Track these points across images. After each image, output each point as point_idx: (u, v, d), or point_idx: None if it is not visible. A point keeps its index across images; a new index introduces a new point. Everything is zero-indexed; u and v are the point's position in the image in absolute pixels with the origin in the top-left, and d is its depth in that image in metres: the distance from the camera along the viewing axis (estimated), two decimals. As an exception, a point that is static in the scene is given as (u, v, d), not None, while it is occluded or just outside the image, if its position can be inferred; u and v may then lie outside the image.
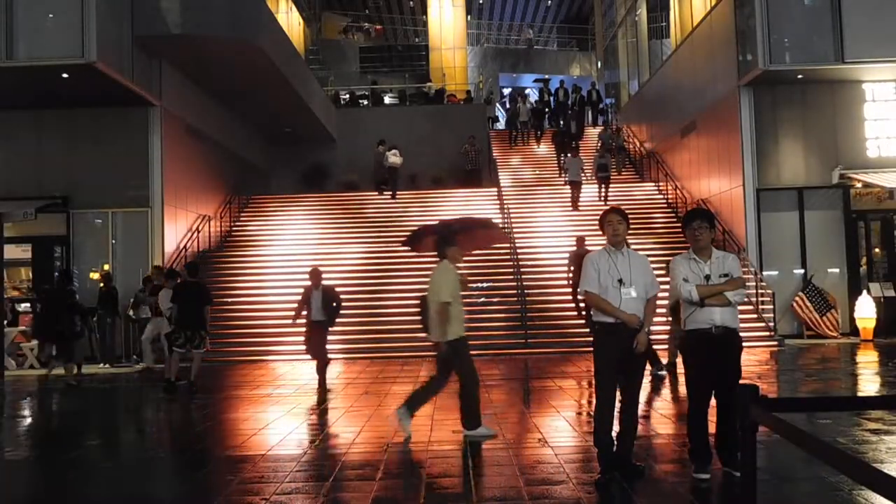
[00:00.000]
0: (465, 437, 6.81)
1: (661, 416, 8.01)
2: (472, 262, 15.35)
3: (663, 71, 22.15)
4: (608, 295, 5.22)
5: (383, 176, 22.24)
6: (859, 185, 15.55)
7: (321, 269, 11.03)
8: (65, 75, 13.81)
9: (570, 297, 14.83)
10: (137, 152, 15.87)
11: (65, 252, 15.84)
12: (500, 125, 30.95)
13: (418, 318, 7.56)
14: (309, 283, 10.77)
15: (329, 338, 11.00)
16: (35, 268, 16.15)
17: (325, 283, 10.87)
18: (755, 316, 14.99)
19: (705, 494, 5.14)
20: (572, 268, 14.12)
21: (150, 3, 14.84)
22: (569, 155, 21.39)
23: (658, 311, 6.30)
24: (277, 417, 8.58)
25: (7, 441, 8.04)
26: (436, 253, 7.28)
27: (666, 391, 9.67)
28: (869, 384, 10.36)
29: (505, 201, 20.33)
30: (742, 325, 5.62)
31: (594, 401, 5.67)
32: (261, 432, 7.82)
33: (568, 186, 20.26)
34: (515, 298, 15.90)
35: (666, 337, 11.66)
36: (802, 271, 15.84)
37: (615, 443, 5.29)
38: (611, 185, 20.58)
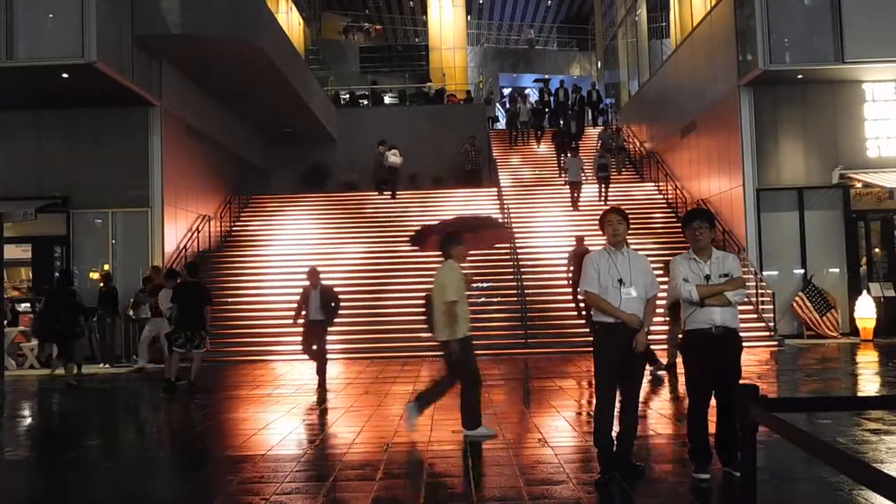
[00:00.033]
0: (466, 437, 6.80)
1: (660, 416, 8.01)
2: (472, 261, 15.28)
3: (663, 71, 22.15)
4: (608, 295, 5.22)
5: (383, 176, 22.22)
6: (859, 185, 15.56)
7: (321, 269, 11.05)
8: (65, 75, 13.82)
9: (570, 297, 14.85)
10: (137, 152, 15.87)
11: (65, 252, 15.84)
12: (500, 125, 30.92)
13: (423, 317, 7.54)
14: (307, 283, 10.79)
15: (329, 338, 11.02)
16: (35, 268, 16.17)
17: (323, 282, 10.90)
18: (755, 316, 14.99)
19: (705, 494, 5.14)
20: (572, 267, 14.14)
21: (150, 3, 14.84)
22: (569, 155, 21.40)
23: (657, 311, 6.29)
24: (277, 417, 8.58)
25: (7, 441, 8.03)
26: (440, 252, 7.27)
27: (665, 391, 9.67)
28: (869, 384, 10.37)
29: (505, 201, 20.32)
30: (742, 325, 5.62)
31: (594, 401, 5.66)
32: (261, 432, 7.82)
33: (568, 186, 20.27)
34: (515, 298, 15.90)
35: (665, 337, 11.65)
36: (802, 271, 15.84)
37: (615, 443, 5.30)
38: (611, 185, 20.58)
